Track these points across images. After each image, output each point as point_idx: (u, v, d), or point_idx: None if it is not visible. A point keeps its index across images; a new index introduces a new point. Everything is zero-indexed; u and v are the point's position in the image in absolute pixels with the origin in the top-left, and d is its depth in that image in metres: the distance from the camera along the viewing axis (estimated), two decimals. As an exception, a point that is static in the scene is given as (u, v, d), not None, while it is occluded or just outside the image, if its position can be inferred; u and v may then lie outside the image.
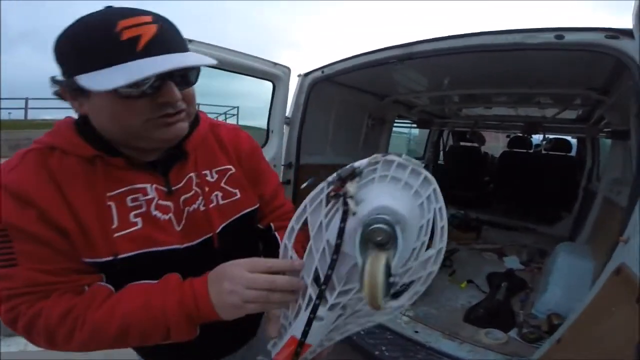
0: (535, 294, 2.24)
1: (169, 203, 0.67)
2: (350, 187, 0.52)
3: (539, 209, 3.86)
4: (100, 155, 0.60)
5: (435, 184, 0.53)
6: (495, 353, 1.69)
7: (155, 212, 0.65)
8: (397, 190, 0.53)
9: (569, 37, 1.38)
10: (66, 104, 0.61)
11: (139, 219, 0.63)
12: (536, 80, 2.38)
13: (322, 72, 2.34)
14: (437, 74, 2.59)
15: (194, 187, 0.70)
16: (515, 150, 4.30)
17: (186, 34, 0.64)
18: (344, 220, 0.50)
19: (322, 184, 0.55)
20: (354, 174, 0.53)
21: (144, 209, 0.64)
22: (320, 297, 0.54)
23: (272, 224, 0.86)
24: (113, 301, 0.58)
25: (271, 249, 0.79)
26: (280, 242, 0.72)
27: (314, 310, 0.54)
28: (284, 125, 2.36)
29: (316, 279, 0.55)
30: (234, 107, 13.26)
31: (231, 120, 12.95)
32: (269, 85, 2.21)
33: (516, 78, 2.40)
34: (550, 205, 3.79)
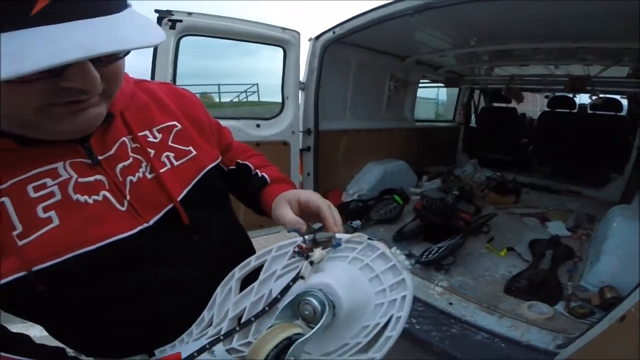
0: (584, 263, 2.02)
1: (99, 177, 0.51)
2: (318, 253, 0.51)
3: (585, 171, 3.57)
4: None
5: (409, 292, 0.49)
6: (539, 329, 1.51)
7: (76, 196, 0.48)
8: (363, 279, 0.51)
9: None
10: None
11: (51, 213, 0.46)
12: (581, 33, 2.11)
13: (334, 32, 2.28)
14: (463, 29, 2.39)
15: (131, 154, 0.55)
16: (557, 110, 3.96)
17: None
18: (294, 280, 0.50)
19: (298, 239, 0.55)
20: (329, 243, 0.53)
21: (57, 198, 0.47)
22: (229, 335, 0.52)
23: (237, 160, 0.78)
24: None
25: (243, 177, 0.76)
26: (252, 168, 0.76)
27: (212, 342, 0.52)
28: (300, 91, 2.34)
29: (240, 318, 0.54)
30: (254, 85, 13.30)
31: (252, 98, 13.06)
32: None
33: (556, 31, 2.14)
34: (598, 167, 3.47)
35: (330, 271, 0.51)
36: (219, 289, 0.57)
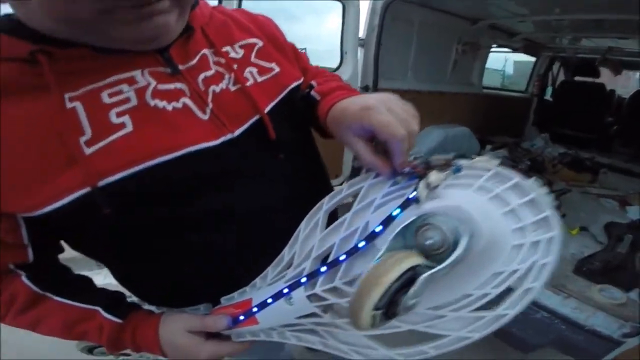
0: (666, 252, 1.80)
1: (179, 85, 0.46)
2: (434, 175, 0.39)
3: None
4: (44, 50, 0.39)
5: (555, 233, 0.36)
6: (606, 315, 1.38)
7: (154, 102, 0.44)
8: (495, 212, 0.38)
9: None
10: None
11: (124, 118, 0.42)
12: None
13: (397, -12, 2.13)
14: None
15: (213, 66, 0.51)
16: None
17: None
18: (404, 206, 0.39)
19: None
20: (447, 167, 0.41)
21: (133, 103, 0.43)
22: (312, 278, 0.43)
23: (312, 82, 0.65)
24: (32, 319, 0.49)
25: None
26: (314, 87, 0.62)
27: (292, 286, 0.45)
28: (359, 48, 2.27)
29: (326, 258, 0.44)
30: (302, 49, 13.28)
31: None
32: (332, 26, 2.20)
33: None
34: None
35: (450, 198, 0.39)
36: (303, 223, 0.48)
